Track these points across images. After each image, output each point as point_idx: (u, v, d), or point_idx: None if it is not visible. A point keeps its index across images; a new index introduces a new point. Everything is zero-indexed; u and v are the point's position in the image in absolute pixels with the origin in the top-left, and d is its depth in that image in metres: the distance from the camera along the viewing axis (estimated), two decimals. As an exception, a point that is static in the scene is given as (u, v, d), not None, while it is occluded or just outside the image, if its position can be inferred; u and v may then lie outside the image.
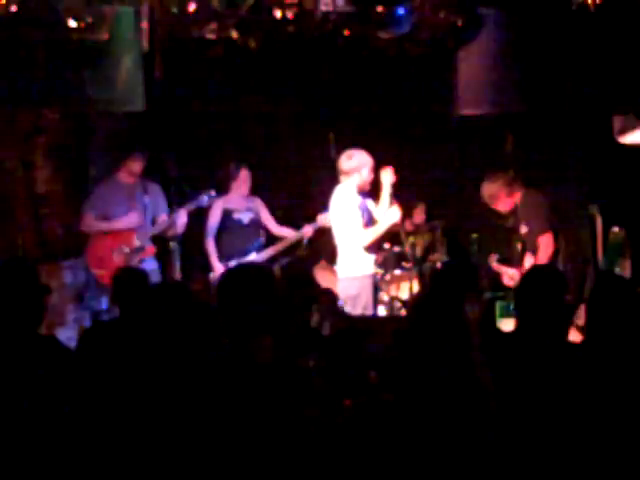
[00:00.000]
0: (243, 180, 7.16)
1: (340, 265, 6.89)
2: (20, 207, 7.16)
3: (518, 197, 6.58)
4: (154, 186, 6.85)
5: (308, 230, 7.16)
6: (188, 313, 3.18)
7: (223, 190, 7.13)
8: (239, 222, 7.18)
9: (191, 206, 6.72)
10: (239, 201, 7.20)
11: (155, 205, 6.79)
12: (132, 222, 6.69)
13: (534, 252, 6.42)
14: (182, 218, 6.64)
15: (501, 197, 6.60)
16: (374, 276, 6.82)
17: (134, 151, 6.75)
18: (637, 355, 3.26)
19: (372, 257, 6.80)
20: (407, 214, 7.85)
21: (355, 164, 6.59)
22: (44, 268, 6.96)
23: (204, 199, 6.74)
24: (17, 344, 3.17)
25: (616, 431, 3.10)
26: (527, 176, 7.10)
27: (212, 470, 2.81)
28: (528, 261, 6.52)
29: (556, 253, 6.39)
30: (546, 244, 6.34)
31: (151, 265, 6.77)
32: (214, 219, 7.10)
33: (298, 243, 7.24)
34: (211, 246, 7.09)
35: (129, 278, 4.91)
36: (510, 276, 6.68)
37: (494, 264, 6.84)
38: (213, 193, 6.81)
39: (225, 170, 7.20)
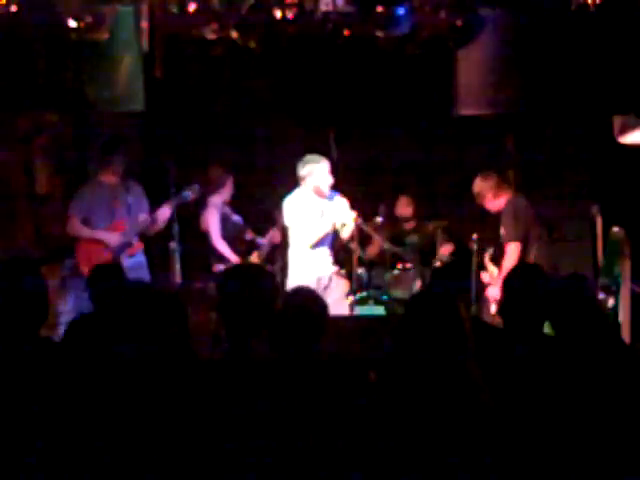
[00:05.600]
0: (229, 187, 7.29)
1: None
2: (20, 207, 7.16)
3: (504, 200, 6.61)
4: (137, 186, 6.85)
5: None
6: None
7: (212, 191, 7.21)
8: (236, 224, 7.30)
9: (175, 202, 6.73)
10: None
11: (137, 205, 6.79)
12: (112, 242, 6.66)
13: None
14: (165, 214, 6.65)
15: (487, 197, 6.68)
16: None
17: (118, 150, 6.73)
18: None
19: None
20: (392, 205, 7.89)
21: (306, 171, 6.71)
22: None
23: (187, 194, 6.77)
24: (18, 346, 3.16)
25: (602, 425, 3.12)
26: (527, 176, 7.10)
27: (209, 470, 2.81)
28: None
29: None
30: (512, 252, 6.37)
31: (139, 260, 6.78)
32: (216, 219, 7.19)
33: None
34: (222, 243, 7.17)
35: (104, 274, 4.76)
36: (488, 274, 6.71)
37: (486, 260, 6.86)
38: (197, 188, 6.83)
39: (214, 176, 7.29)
